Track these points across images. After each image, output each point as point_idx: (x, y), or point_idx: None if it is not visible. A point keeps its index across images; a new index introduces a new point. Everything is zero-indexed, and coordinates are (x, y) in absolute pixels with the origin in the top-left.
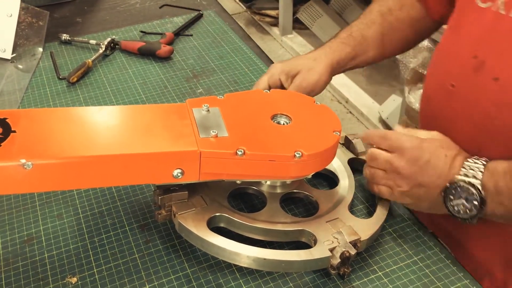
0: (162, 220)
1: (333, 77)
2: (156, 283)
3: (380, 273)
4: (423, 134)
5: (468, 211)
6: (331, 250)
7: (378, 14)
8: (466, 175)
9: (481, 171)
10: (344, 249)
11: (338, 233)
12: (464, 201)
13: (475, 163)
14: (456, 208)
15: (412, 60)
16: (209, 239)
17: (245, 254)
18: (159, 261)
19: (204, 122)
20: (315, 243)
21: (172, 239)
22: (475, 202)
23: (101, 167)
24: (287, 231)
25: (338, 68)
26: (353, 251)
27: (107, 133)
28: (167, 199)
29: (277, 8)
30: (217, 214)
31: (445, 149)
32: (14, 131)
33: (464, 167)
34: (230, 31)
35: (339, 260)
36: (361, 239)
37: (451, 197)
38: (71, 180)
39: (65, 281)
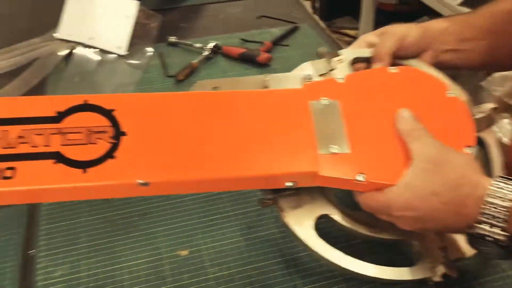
0: (266, 206)
1: None
2: (255, 265)
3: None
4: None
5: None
6: (432, 267)
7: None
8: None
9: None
10: (446, 270)
11: (443, 248)
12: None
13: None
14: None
15: (498, 88)
16: (314, 246)
17: (351, 269)
18: (261, 245)
19: (323, 127)
20: (416, 256)
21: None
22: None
23: (216, 185)
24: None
25: (435, 35)
26: (454, 273)
27: (221, 134)
28: (274, 191)
29: (356, 29)
30: (323, 213)
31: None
32: (124, 133)
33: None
34: (324, 45)
35: (439, 279)
36: (467, 255)
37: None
38: (184, 189)
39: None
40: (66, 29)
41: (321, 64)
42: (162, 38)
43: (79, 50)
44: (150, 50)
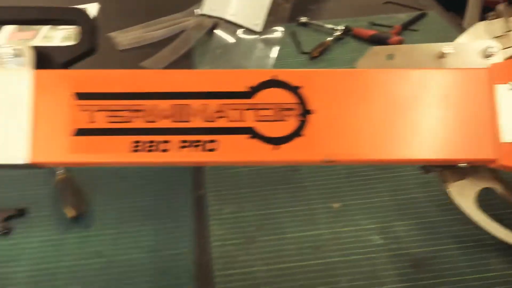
0: (427, 174)
1: None
2: (401, 222)
3: None
4: None
5: None
6: None
7: None
8: None
9: None
10: None
11: None
12: None
13: None
14: None
15: None
16: (475, 217)
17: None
18: (408, 206)
19: (508, 114)
20: None
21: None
22: None
23: (391, 163)
24: None
25: None
26: None
27: (400, 116)
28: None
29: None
30: (487, 186)
31: None
32: (310, 111)
33: None
34: (454, 31)
35: None
36: None
37: None
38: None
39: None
40: (209, 5)
41: (497, 24)
42: (291, 19)
43: (220, 25)
44: (281, 29)
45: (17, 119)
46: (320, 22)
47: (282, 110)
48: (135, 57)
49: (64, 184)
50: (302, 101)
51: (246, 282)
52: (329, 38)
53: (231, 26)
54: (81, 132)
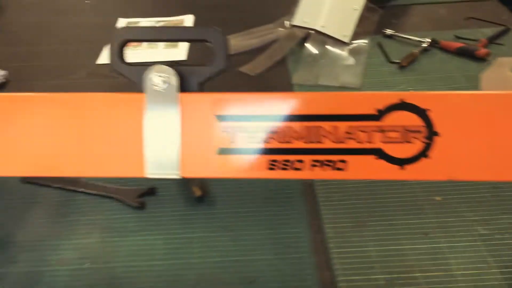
0: None
1: None
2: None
3: None
4: None
5: None
6: None
7: None
8: None
9: None
10: None
11: None
12: None
13: None
14: None
15: None
16: None
17: None
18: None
19: None
20: None
21: None
22: None
23: None
24: None
25: None
26: None
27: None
28: None
29: None
30: None
31: None
32: (437, 133)
33: None
34: None
35: None
36: None
37: None
38: None
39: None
40: (301, 17)
41: None
42: (377, 31)
43: (311, 36)
44: (368, 40)
45: (170, 140)
46: (405, 35)
47: (409, 132)
48: (232, 63)
49: None
50: (429, 124)
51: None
52: (417, 49)
53: (321, 37)
54: (223, 151)
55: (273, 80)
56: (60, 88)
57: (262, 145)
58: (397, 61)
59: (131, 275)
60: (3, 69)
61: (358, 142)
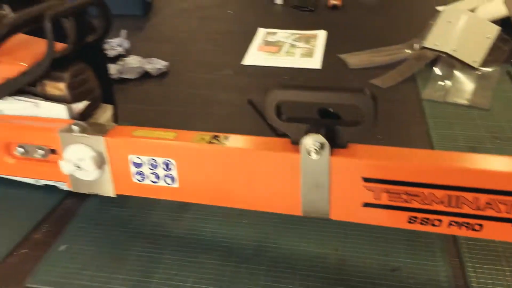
0: None
1: None
2: None
3: None
4: None
5: None
6: None
7: None
8: None
9: None
10: None
11: None
12: None
13: None
14: None
15: None
16: None
17: None
18: None
19: None
20: None
21: None
22: None
23: None
24: None
25: None
26: None
27: None
28: None
29: None
30: None
31: None
32: None
33: None
34: None
35: None
36: None
37: None
38: None
39: None
40: (433, 40)
41: None
42: (507, 61)
43: (441, 58)
44: (497, 68)
45: (321, 191)
46: None
47: None
48: (364, 76)
49: None
50: None
51: None
52: None
53: (450, 60)
54: (368, 205)
55: (402, 94)
56: (211, 81)
57: (403, 204)
58: None
59: None
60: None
61: (497, 212)
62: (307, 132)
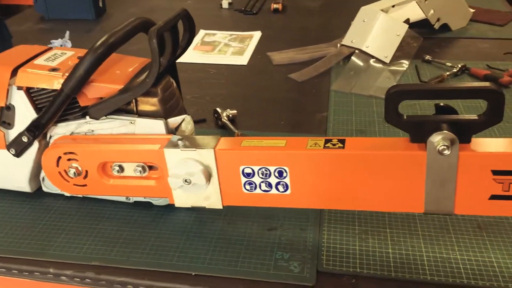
0: None
1: None
2: None
3: None
4: None
5: None
6: None
7: None
8: None
9: None
10: None
11: None
12: None
13: None
14: None
15: None
16: None
17: None
18: None
19: None
20: None
21: None
22: None
23: None
24: None
25: None
26: None
27: None
28: None
29: None
30: None
31: None
32: None
33: None
34: None
35: None
36: None
37: None
38: None
39: None
40: (350, 38)
41: None
42: (418, 56)
43: (356, 54)
44: (406, 62)
45: (448, 187)
46: (442, 61)
47: None
48: (284, 71)
49: None
50: None
51: None
52: (446, 73)
53: (365, 55)
54: (495, 197)
55: (314, 87)
56: None
57: None
58: (426, 80)
59: None
60: None
61: None
62: (432, 130)
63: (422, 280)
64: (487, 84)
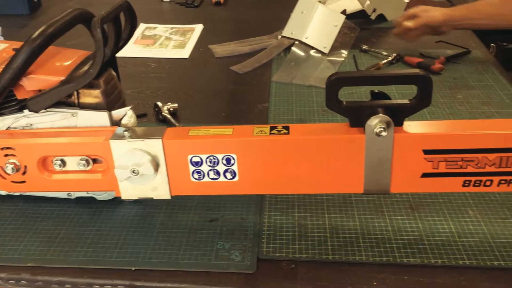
0: None
1: None
2: None
3: None
4: None
5: None
6: None
7: None
8: None
9: None
10: None
11: None
12: None
13: None
14: None
15: None
16: None
17: None
18: None
19: None
20: None
21: None
22: None
23: None
24: None
25: None
26: None
27: None
28: None
29: None
30: None
31: None
32: None
33: None
34: (492, 67)
35: None
36: None
37: None
38: None
39: None
40: (289, 29)
41: None
42: (355, 46)
43: (296, 46)
44: (345, 52)
45: (384, 167)
46: (378, 50)
47: None
48: (226, 63)
49: None
50: None
51: None
52: (382, 62)
53: (305, 46)
54: (426, 175)
55: (257, 78)
56: None
57: (459, 170)
58: (363, 69)
59: None
60: None
61: None
62: (369, 115)
63: (357, 261)
64: (416, 70)
